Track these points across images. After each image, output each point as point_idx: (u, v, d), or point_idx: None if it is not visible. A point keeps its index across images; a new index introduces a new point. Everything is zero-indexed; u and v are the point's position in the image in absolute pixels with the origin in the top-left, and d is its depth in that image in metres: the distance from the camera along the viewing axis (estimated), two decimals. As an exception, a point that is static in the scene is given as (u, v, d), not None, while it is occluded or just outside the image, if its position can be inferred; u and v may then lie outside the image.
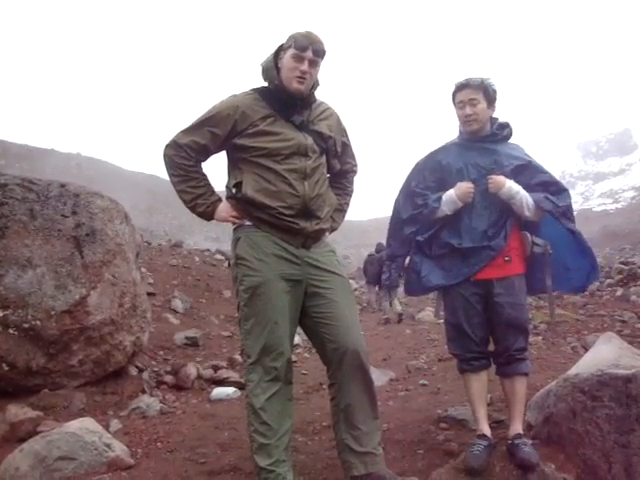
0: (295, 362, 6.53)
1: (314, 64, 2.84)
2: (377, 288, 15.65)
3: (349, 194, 3.29)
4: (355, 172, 3.30)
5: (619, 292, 18.22)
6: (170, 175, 2.92)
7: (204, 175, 2.96)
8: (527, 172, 3.25)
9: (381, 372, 5.89)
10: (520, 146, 3.43)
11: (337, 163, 3.13)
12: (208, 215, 2.93)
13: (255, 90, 2.93)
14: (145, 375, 5.80)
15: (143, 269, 10.81)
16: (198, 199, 2.89)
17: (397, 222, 3.46)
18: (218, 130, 2.83)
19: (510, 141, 3.41)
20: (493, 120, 3.35)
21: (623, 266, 24.90)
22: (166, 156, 2.90)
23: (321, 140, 2.93)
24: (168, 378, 5.85)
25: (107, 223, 5.37)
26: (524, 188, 3.20)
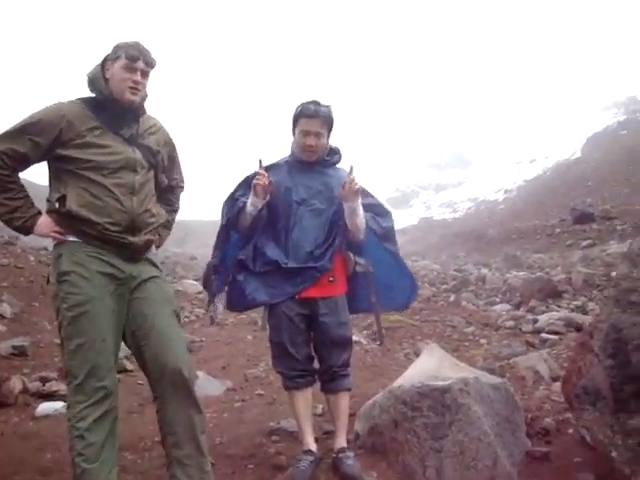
0: (131, 371, 6.29)
1: (145, 75, 2.81)
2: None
3: (175, 210, 3.28)
4: (182, 188, 3.30)
5: (452, 298, 19.55)
6: None
7: (22, 186, 2.77)
8: None
9: (218, 381, 5.86)
10: (344, 169, 3.52)
11: (165, 178, 3.10)
12: (26, 230, 2.76)
13: (82, 100, 2.81)
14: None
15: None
16: (15, 212, 2.71)
17: (220, 230, 3.50)
18: (41, 139, 2.67)
19: (341, 165, 3.55)
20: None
21: (457, 273, 26.79)
22: None
23: (150, 155, 2.89)
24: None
25: None
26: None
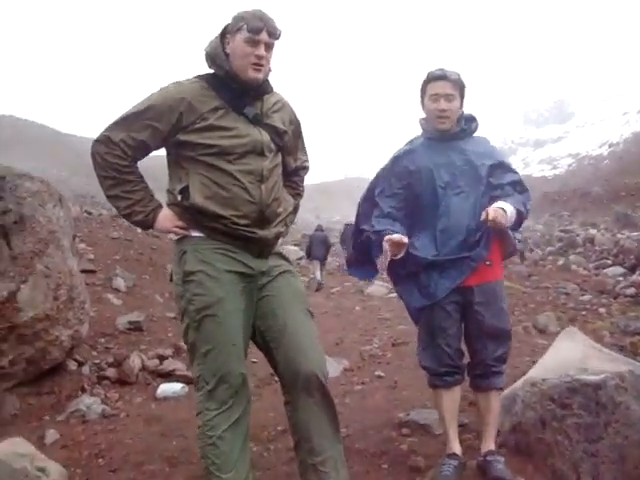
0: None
1: (269, 47, 2.48)
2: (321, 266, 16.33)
3: (300, 194, 2.98)
4: (307, 169, 2.98)
5: (561, 262, 18.70)
6: (100, 177, 2.49)
7: (141, 177, 2.55)
8: (499, 171, 3.03)
9: (335, 360, 5.68)
10: (484, 138, 3.21)
11: (292, 161, 2.81)
12: (147, 225, 2.55)
13: (201, 77, 2.54)
14: (85, 369, 5.40)
15: (82, 244, 10.26)
16: (135, 206, 2.49)
17: (355, 230, 3.31)
18: (160, 124, 2.43)
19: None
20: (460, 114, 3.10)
21: (563, 234, 25.57)
22: (96, 154, 2.47)
23: (277, 136, 2.60)
24: (110, 372, 5.47)
25: (38, 208, 4.88)
26: (495, 188, 2.99)
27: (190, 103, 2.43)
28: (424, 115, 3.12)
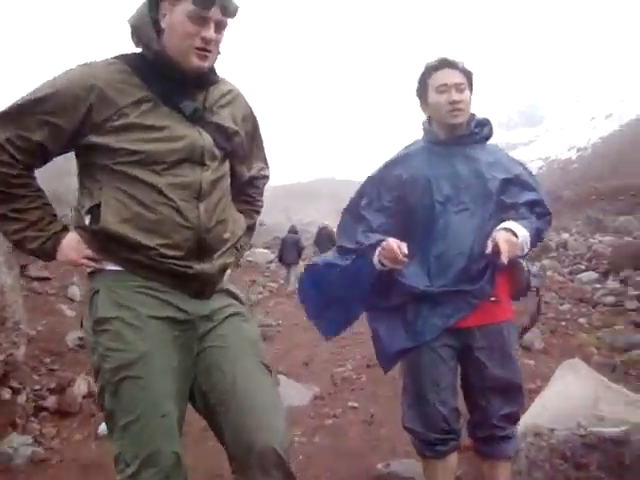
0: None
1: (221, 27, 1.87)
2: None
3: (258, 210, 2.36)
4: (267, 178, 2.36)
5: (536, 266, 18.40)
6: None
7: (38, 190, 1.91)
8: (514, 189, 2.48)
9: (304, 386, 5.15)
10: (498, 147, 2.69)
11: (245, 170, 2.20)
12: (46, 254, 1.91)
13: (123, 58, 1.91)
14: (21, 398, 4.75)
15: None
16: (28, 230, 1.86)
17: (338, 245, 2.67)
18: (61, 120, 1.79)
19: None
20: (470, 116, 2.56)
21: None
22: None
23: (224, 138, 1.98)
24: (50, 401, 4.84)
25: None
26: (508, 208, 2.43)
27: (103, 92, 1.81)
28: (426, 114, 2.58)
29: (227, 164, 2.04)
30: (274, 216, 56.72)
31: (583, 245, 22.21)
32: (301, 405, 4.69)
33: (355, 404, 4.69)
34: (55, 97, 1.78)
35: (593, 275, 15.53)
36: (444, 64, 2.44)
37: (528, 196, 2.47)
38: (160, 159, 1.82)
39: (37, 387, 5.09)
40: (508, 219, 2.37)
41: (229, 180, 2.05)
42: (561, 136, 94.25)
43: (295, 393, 4.84)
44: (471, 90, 2.48)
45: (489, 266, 2.34)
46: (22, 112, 1.79)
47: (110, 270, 1.85)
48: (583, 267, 17.65)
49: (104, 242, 1.83)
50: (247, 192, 2.27)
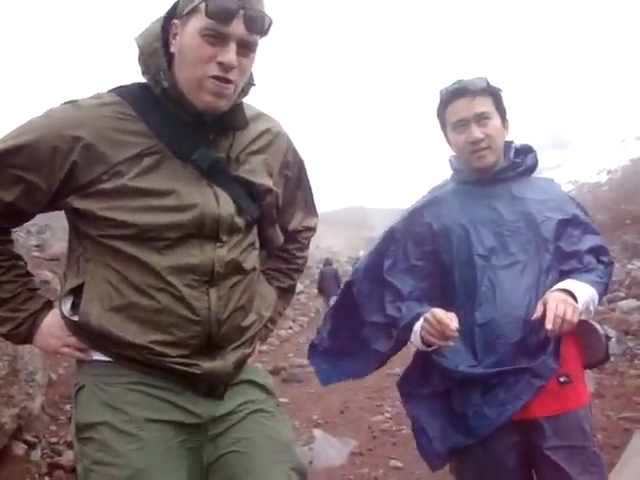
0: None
1: (248, 48, 1.40)
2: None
3: (300, 267, 1.90)
4: (313, 230, 1.92)
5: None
6: None
7: (13, 258, 1.52)
8: (574, 231, 2.00)
9: (339, 441, 4.69)
10: (548, 179, 2.22)
11: (277, 232, 1.75)
12: (21, 339, 1.52)
13: (123, 93, 1.48)
14: (36, 454, 4.44)
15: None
16: (0, 309, 1.47)
17: (359, 319, 2.16)
18: (37, 177, 1.40)
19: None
20: (506, 144, 2.09)
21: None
22: None
23: (252, 200, 1.55)
24: (66, 457, 4.47)
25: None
26: (569, 257, 1.96)
27: (91, 146, 1.39)
28: (453, 152, 2.13)
29: (254, 232, 1.62)
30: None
31: (621, 271, 21.57)
32: (337, 464, 4.27)
33: (399, 464, 4.25)
34: (29, 148, 1.38)
35: (633, 302, 14.94)
36: (457, 93, 1.97)
37: (592, 241, 1.99)
38: (159, 235, 1.41)
39: (54, 440, 4.78)
40: (571, 272, 1.92)
41: (256, 252, 1.63)
42: (590, 159, 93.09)
43: (332, 450, 4.41)
44: (501, 113, 2.03)
45: (551, 336, 1.82)
46: None
47: (99, 361, 1.45)
48: (622, 294, 17.06)
49: (88, 332, 1.44)
50: (286, 248, 1.84)
